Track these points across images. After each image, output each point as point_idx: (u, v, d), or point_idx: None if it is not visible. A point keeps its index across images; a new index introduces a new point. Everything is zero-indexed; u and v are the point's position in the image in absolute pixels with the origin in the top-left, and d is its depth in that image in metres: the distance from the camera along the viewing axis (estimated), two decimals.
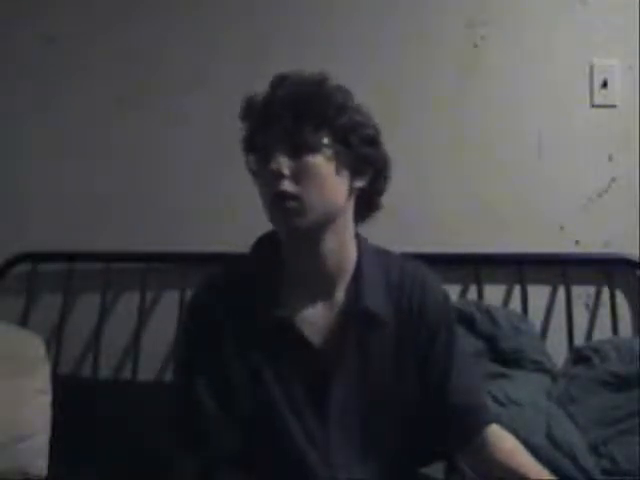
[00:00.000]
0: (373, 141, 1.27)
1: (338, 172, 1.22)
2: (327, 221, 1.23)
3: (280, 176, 1.19)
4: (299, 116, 1.20)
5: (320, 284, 1.27)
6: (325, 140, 1.21)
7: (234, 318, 1.25)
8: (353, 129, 1.23)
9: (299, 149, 1.20)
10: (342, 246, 1.27)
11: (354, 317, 1.26)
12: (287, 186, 1.19)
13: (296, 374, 1.24)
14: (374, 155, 1.27)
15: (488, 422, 1.29)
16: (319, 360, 1.25)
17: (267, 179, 1.21)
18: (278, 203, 1.20)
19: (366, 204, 1.30)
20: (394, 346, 1.27)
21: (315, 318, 1.26)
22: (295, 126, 1.19)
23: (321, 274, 1.26)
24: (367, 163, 1.26)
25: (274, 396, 1.23)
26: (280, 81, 1.24)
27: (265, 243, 1.33)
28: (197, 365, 1.27)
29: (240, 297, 1.26)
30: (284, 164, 1.19)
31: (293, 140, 1.20)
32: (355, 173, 1.25)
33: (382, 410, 1.26)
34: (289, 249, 1.28)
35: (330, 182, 1.21)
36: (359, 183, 1.26)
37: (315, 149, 1.20)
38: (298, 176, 1.19)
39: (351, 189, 1.25)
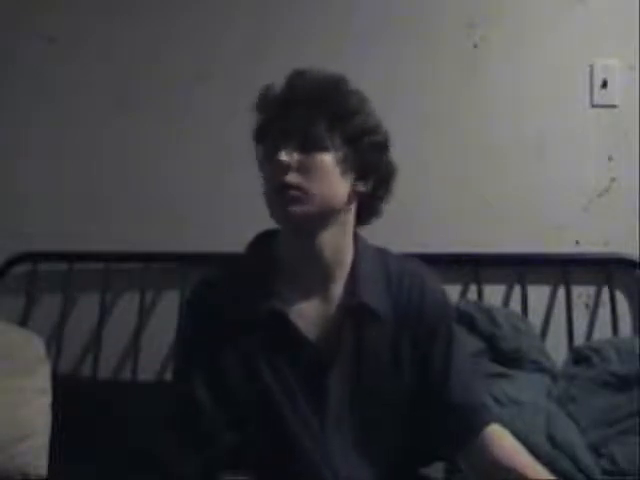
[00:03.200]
0: (382, 148, 1.27)
1: (343, 174, 1.23)
2: (325, 217, 1.23)
3: (287, 168, 1.19)
4: (314, 112, 1.20)
5: (316, 279, 1.27)
6: (336, 141, 1.21)
7: (230, 314, 1.25)
8: (364, 133, 1.24)
9: (309, 145, 1.20)
10: (340, 245, 1.27)
11: (351, 312, 1.26)
12: (292, 177, 1.20)
13: (293, 370, 1.23)
14: (380, 162, 1.27)
15: (488, 421, 1.29)
16: (316, 355, 1.24)
17: (273, 170, 1.21)
18: (280, 192, 1.20)
19: (367, 209, 1.30)
20: (391, 344, 1.27)
21: (311, 312, 1.26)
22: (309, 122, 1.20)
23: (317, 270, 1.26)
24: (372, 169, 1.26)
25: (272, 393, 1.23)
26: (298, 75, 1.24)
27: (261, 241, 1.33)
28: (195, 364, 1.26)
29: (235, 293, 1.26)
30: (292, 157, 1.20)
31: (305, 135, 1.20)
32: (359, 177, 1.25)
33: (379, 408, 1.26)
34: (287, 243, 1.28)
35: (334, 181, 1.22)
36: (362, 187, 1.26)
37: (325, 148, 1.21)
38: (303, 170, 1.20)
39: (353, 192, 1.26)
